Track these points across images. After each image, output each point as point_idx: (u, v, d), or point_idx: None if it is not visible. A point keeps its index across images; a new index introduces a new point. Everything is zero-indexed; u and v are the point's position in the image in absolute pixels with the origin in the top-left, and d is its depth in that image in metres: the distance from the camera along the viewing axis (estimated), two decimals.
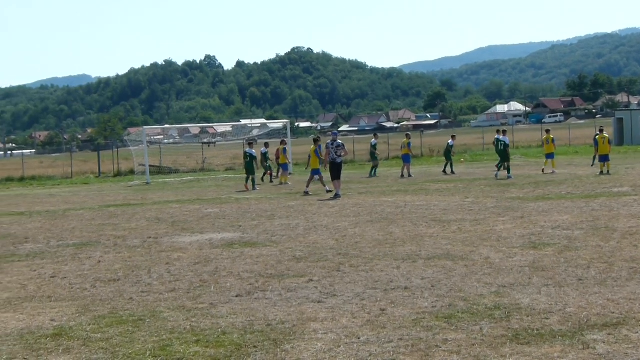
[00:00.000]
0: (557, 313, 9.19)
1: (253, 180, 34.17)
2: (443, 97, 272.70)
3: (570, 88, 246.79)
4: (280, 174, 38.49)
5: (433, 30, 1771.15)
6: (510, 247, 14.25)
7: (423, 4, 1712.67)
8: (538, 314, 9.17)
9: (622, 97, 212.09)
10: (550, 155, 36.22)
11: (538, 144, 65.74)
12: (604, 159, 33.23)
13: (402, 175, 37.12)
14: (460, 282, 11.24)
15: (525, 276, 11.46)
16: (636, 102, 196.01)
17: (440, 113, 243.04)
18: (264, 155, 39.72)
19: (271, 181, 38.80)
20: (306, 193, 29.10)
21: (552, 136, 36.77)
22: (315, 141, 31.40)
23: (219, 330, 9.10)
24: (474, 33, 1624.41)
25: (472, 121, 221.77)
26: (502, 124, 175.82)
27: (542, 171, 35.21)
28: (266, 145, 41.31)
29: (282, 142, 40.35)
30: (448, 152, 38.83)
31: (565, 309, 9.39)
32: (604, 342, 7.96)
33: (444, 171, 38.28)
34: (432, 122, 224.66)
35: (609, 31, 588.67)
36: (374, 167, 40.54)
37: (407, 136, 39.51)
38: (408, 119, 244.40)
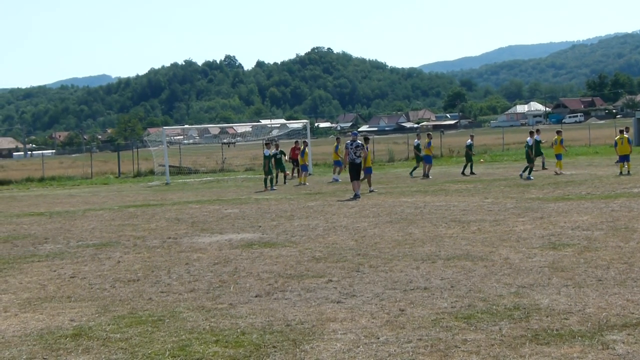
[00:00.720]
0: (577, 313, 9.17)
1: (271, 181, 34.17)
2: (463, 97, 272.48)
3: (590, 88, 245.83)
4: (299, 174, 38.24)
5: (453, 30, 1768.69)
6: (530, 247, 14.21)
7: (443, 3, 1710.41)
8: (557, 315, 9.15)
9: None
10: (557, 156, 36.42)
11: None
12: (624, 159, 33.11)
13: (425, 175, 36.87)
14: (479, 283, 11.23)
15: (545, 277, 11.43)
16: None
17: (460, 113, 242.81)
18: (275, 156, 39.28)
19: (284, 182, 38.58)
20: (371, 191, 29.03)
21: (561, 137, 37.11)
22: (366, 140, 31.32)
23: (238, 330, 9.12)
24: (494, 33, 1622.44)
25: (492, 121, 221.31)
26: (522, 124, 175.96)
27: (561, 173, 35.03)
28: (276, 146, 40.80)
29: (304, 143, 40.13)
30: (468, 153, 38.59)
31: (585, 309, 9.36)
32: (623, 343, 7.93)
33: (463, 172, 38.02)
34: (452, 122, 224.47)
35: (630, 31, 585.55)
36: (415, 167, 39.80)
37: (429, 136, 39.10)
38: (428, 119, 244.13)
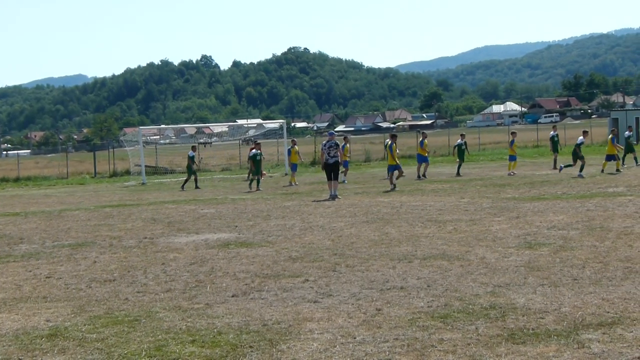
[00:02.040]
0: (553, 312, 9.21)
1: (258, 181, 33.98)
2: (439, 97, 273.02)
3: (565, 88, 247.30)
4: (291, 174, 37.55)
5: (429, 30, 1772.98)
6: (506, 247, 14.26)
7: (419, 4, 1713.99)
8: (533, 314, 9.18)
9: (617, 97, 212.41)
10: (512, 157, 36.62)
11: (534, 144, 65.88)
12: (608, 158, 33.74)
13: (419, 176, 36.08)
14: (455, 282, 11.26)
15: (521, 276, 11.47)
16: (631, 102, 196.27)
17: (436, 113, 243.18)
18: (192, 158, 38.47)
19: (195, 186, 37.73)
20: (393, 188, 29.21)
21: (513, 139, 37.49)
22: (393, 137, 31.17)
23: (215, 330, 9.10)
24: (470, 33, 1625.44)
25: (468, 121, 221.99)
26: (498, 124, 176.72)
27: (513, 173, 35.08)
28: (193, 148, 39.93)
29: (292, 142, 39.75)
30: (462, 153, 38.12)
31: (561, 308, 9.41)
32: (598, 342, 7.97)
33: (457, 173, 37.23)
34: (428, 122, 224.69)
35: (605, 31, 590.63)
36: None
37: (423, 134, 38.07)
38: (404, 119, 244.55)
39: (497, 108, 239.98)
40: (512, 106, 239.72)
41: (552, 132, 39.83)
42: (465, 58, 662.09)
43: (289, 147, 38.95)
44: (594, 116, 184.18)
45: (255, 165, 34.19)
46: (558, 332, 8.38)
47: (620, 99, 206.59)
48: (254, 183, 34.08)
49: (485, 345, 8.02)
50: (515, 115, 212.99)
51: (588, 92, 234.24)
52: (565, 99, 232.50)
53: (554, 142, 39.10)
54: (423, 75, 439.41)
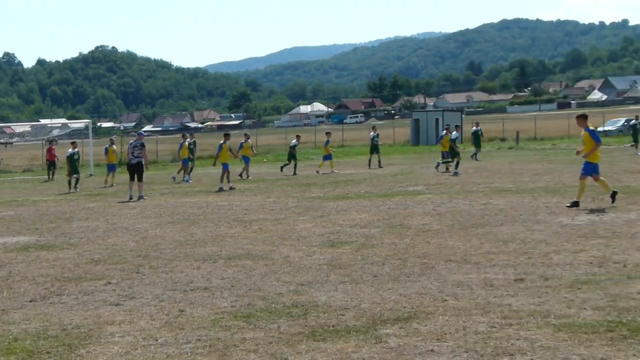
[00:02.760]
0: (353, 309, 9.40)
1: (77, 181, 32.85)
2: (247, 98, 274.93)
3: (370, 89, 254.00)
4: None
5: (238, 30, 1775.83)
6: (310, 245, 14.48)
7: (227, 4, 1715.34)
8: (334, 311, 9.35)
9: (419, 99, 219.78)
10: (327, 157, 37.34)
11: (339, 144, 67.07)
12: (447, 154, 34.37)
13: (241, 176, 35.87)
14: (259, 281, 11.33)
15: (323, 274, 11.67)
16: (432, 104, 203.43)
17: (245, 113, 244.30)
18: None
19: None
20: (231, 188, 28.84)
21: (328, 139, 38.20)
22: (226, 136, 30.97)
23: (10, 337, 8.79)
24: (279, 34, 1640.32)
25: (275, 121, 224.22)
26: (305, 125, 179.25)
27: (327, 172, 35.98)
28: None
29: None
30: (293, 155, 38.17)
31: (360, 305, 9.62)
32: (395, 336, 8.20)
33: (294, 173, 37.23)
34: (237, 122, 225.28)
35: (408, 35, 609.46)
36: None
37: (245, 136, 37.97)
38: (212, 119, 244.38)
39: (304, 108, 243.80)
40: (319, 106, 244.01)
41: (372, 133, 40.37)
42: (274, 59, 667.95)
43: (107, 145, 37.99)
44: (396, 117, 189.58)
45: (72, 165, 33.22)
46: (357, 328, 8.57)
47: (422, 100, 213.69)
48: (73, 182, 32.94)
49: (286, 343, 8.11)
50: (322, 116, 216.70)
51: (392, 94, 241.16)
52: (370, 100, 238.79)
53: (374, 143, 39.71)
54: (232, 76, 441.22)
